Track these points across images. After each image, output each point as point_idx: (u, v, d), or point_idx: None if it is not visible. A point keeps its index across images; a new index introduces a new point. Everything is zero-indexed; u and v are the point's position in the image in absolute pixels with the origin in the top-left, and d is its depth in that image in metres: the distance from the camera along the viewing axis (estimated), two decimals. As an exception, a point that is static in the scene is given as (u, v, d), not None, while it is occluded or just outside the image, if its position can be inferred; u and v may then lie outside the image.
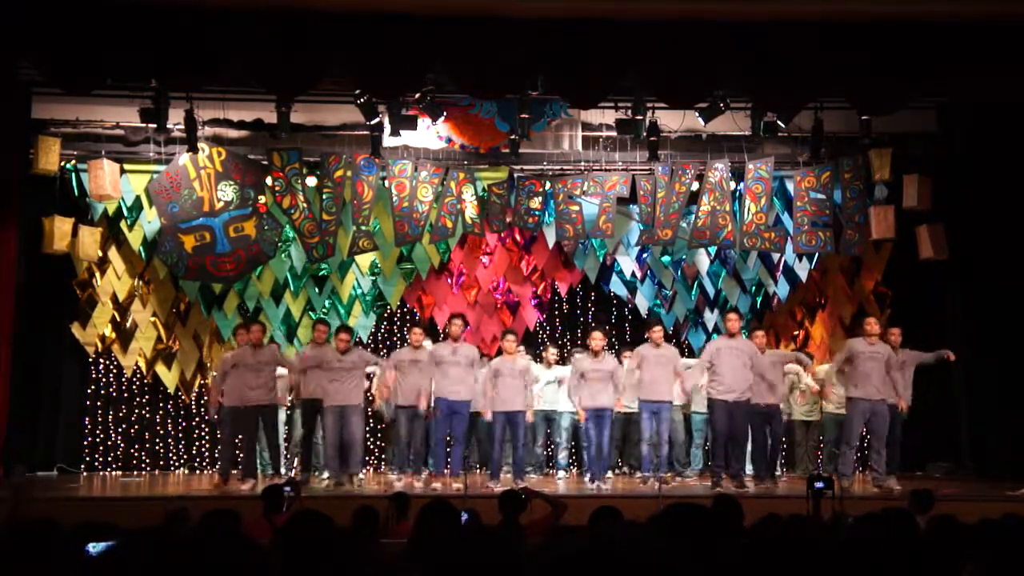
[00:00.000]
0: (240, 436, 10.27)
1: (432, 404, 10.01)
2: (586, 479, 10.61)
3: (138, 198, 11.54)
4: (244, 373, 10.10)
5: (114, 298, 11.83)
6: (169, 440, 12.26)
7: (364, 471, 10.36)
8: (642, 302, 12.56)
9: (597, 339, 10.22)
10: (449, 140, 11.57)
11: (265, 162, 11.44)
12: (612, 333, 12.98)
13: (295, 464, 11.11)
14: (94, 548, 3.27)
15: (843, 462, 9.87)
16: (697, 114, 10.71)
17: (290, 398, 11.13)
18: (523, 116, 10.51)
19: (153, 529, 4.03)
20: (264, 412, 10.23)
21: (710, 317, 12.49)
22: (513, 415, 10.01)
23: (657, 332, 10.43)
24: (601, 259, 12.47)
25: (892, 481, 9.68)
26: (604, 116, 11.50)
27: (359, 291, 12.41)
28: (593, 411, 10.12)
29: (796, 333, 12.75)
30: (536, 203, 11.72)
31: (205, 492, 9.85)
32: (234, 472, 10.10)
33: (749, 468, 10.59)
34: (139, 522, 4.67)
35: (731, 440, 10.08)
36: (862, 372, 9.74)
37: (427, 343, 10.88)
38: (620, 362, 10.63)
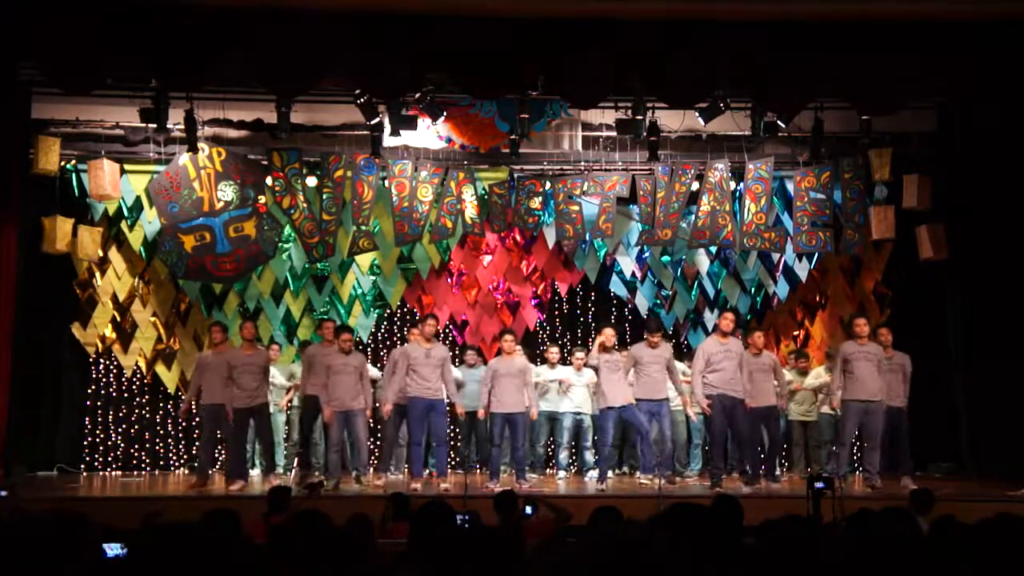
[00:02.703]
0: (219, 435, 10.43)
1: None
2: (588, 477, 10.62)
3: (138, 198, 11.55)
4: (239, 374, 10.07)
5: (114, 298, 11.83)
6: (169, 440, 12.26)
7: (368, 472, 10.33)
8: (642, 302, 12.56)
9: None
10: (449, 140, 11.57)
11: (265, 162, 11.44)
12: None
13: (294, 464, 11.12)
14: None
15: (837, 462, 9.92)
16: (697, 114, 10.71)
17: (289, 399, 11.21)
18: (523, 116, 10.51)
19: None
20: (257, 413, 10.21)
21: (710, 317, 12.47)
22: (512, 416, 10.00)
23: (655, 335, 10.43)
24: (601, 259, 12.46)
25: (907, 481, 9.62)
26: (604, 116, 11.50)
27: (359, 291, 12.41)
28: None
29: (796, 333, 12.75)
30: (536, 203, 11.72)
31: (183, 493, 9.89)
32: (212, 471, 10.25)
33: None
34: (139, 522, 4.68)
35: (735, 438, 10.11)
36: (855, 374, 9.87)
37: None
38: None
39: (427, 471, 10.39)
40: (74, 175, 11.40)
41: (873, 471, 9.84)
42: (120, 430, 12.12)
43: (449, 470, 10.65)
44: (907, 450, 10.11)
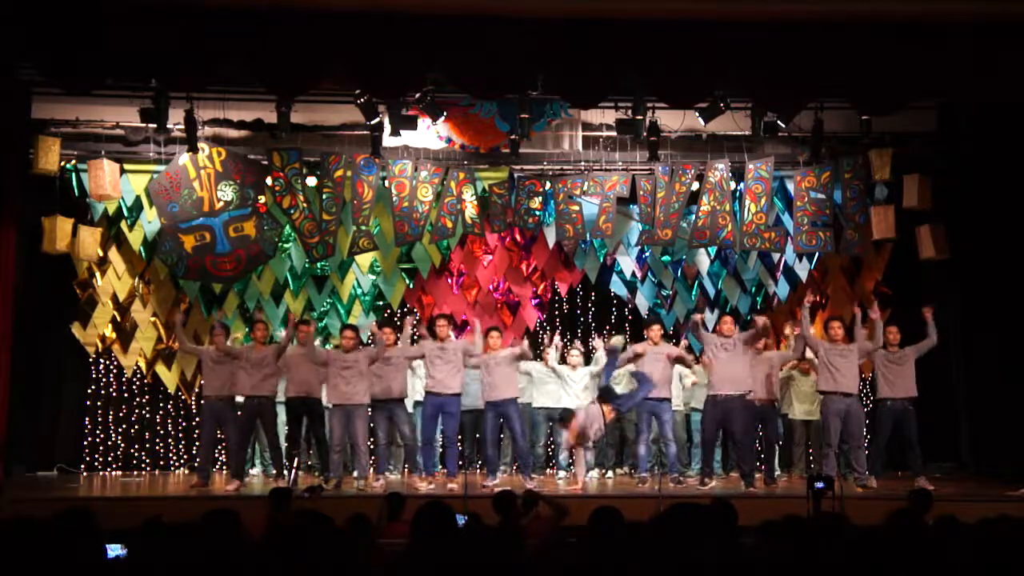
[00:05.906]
0: (222, 434, 10.47)
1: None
2: (589, 477, 10.62)
3: (138, 198, 11.54)
4: (246, 369, 10.07)
5: (114, 298, 11.83)
6: (169, 440, 12.26)
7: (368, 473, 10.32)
8: (642, 302, 12.56)
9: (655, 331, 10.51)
10: (449, 140, 11.57)
11: (265, 162, 11.44)
12: (612, 333, 12.98)
13: (293, 465, 11.10)
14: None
15: (826, 463, 9.86)
16: (697, 114, 10.70)
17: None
18: (523, 116, 10.50)
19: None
20: (264, 412, 10.22)
21: (710, 317, 12.46)
22: (504, 405, 10.00)
23: (655, 331, 10.46)
24: (601, 259, 12.46)
25: (923, 482, 9.44)
26: (604, 116, 11.50)
27: (359, 291, 12.41)
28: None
29: (796, 333, 12.73)
30: (536, 203, 11.72)
31: (183, 493, 9.89)
32: (212, 471, 10.34)
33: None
34: (139, 522, 4.67)
35: (732, 439, 10.11)
36: (832, 366, 9.92)
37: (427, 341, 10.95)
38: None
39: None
40: (74, 175, 11.39)
41: (862, 471, 9.79)
42: (120, 430, 12.11)
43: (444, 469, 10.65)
44: (917, 448, 10.00)
